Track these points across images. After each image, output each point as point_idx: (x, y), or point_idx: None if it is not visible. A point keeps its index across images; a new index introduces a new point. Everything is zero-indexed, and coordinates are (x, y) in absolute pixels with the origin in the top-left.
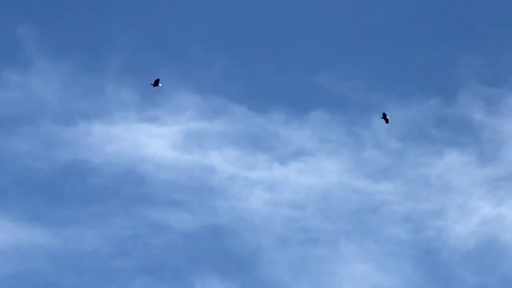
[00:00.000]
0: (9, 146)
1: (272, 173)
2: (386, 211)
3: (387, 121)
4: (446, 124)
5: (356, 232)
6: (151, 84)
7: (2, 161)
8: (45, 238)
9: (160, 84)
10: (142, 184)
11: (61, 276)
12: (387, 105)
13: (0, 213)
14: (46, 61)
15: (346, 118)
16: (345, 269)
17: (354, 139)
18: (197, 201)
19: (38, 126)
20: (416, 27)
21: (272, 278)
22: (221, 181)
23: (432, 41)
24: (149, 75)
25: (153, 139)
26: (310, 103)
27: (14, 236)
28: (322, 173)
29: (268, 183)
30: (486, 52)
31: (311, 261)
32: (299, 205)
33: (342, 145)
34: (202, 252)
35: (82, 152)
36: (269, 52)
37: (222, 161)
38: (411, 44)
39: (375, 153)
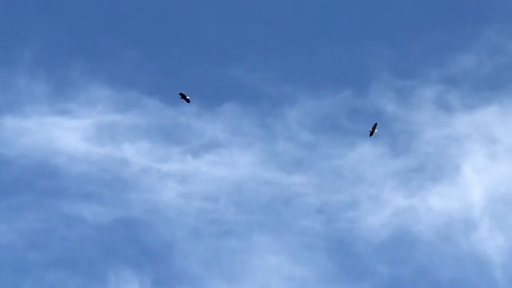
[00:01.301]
0: None
1: (185, 165)
2: (299, 203)
3: (371, 133)
4: (358, 115)
5: (269, 224)
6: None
7: None
8: None
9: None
10: (55, 177)
11: None
12: (299, 97)
13: None
14: None
15: (258, 110)
16: (259, 261)
17: (267, 131)
18: (110, 193)
19: None
20: (327, 18)
21: (185, 270)
22: (134, 174)
23: (343, 33)
24: (61, 68)
25: (65, 132)
26: (222, 96)
27: None
28: (235, 165)
29: (181, 175)
30: (397, 43)
31: (224, 253)
32: (212, 197)
33: (255, 137)
34: (116, 245)
35: None
36: (180, 45)
37: (135, 153)
38: (322, 35)
39: (287, 145)
